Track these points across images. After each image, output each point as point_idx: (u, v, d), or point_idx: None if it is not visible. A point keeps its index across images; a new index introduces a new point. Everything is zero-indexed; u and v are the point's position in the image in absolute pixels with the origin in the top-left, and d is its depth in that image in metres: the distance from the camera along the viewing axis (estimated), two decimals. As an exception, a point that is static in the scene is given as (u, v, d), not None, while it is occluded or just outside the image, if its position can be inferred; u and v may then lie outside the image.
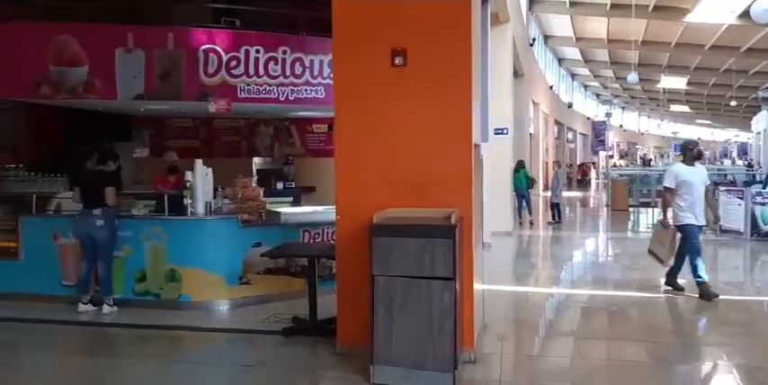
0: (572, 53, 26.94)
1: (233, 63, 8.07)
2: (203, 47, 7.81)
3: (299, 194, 9.51)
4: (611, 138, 38.47)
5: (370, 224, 3.74)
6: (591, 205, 19.62)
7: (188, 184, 5.97)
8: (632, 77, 19.92)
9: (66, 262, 5.89)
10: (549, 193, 15.78)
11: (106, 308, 5.52)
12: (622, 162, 40.85)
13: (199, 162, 6.01)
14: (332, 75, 4.59)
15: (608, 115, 35.96)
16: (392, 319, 3.62)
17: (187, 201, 5.89)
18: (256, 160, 11.00)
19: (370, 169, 4.23)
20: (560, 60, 28.52)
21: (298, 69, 8.31)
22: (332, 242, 5.55)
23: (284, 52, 8.30)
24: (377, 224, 3.73)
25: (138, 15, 8.78)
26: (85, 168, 5.77)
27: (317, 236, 6.10)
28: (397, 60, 4.12)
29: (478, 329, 4.48)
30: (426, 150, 4.16)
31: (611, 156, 40.07)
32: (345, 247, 4.24)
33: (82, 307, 5.54)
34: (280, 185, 9.76)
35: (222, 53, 7.90)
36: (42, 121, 8.49)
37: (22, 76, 7.40)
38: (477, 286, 4.46)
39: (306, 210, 6.68)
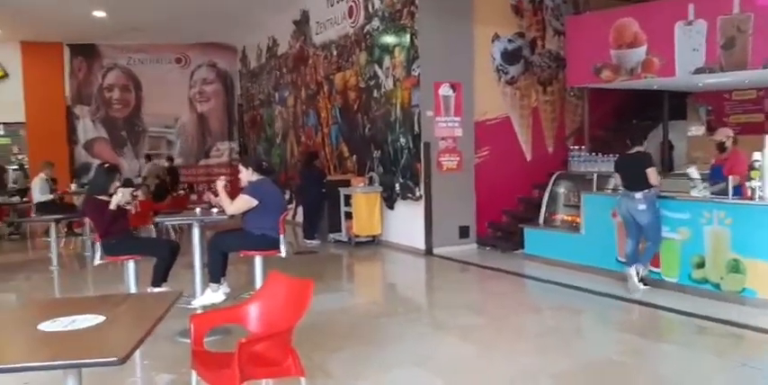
0: None
1: (818, 16, 6.55)
2: (778, 3, 6.62)
3: None
4: None
5: None
6: None
7: (756, 165, 5.26)
8: None
9: (622, 238, 6.10)
10: None
11: (634, 285, 5.53)
12: None
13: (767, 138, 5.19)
14: None
15: None
16: None
17: (755, 183, 5.18)
18: None
19: None
20: None
21: None
22: None
23: None
24: None
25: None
26: (625, 152, 5.84)
27: None
28: None
29: None
30: None
31: None
32: None
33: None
34: None
35: (804, 6, 6.51)
36: (599, 104, 9.02)
37: (585, 63, 7.97)
38: None
39: None
